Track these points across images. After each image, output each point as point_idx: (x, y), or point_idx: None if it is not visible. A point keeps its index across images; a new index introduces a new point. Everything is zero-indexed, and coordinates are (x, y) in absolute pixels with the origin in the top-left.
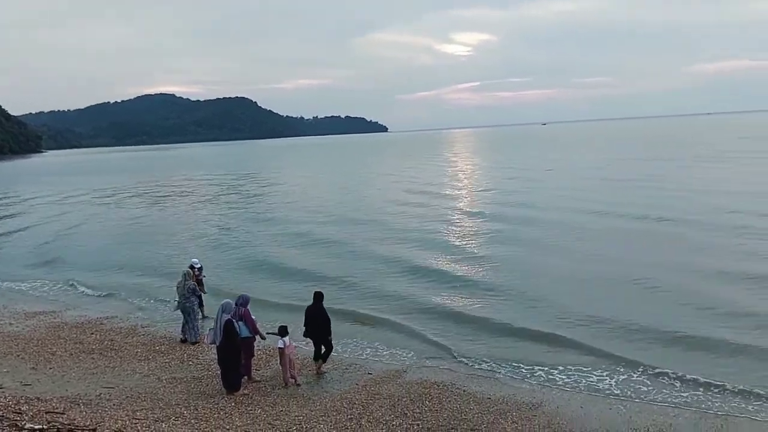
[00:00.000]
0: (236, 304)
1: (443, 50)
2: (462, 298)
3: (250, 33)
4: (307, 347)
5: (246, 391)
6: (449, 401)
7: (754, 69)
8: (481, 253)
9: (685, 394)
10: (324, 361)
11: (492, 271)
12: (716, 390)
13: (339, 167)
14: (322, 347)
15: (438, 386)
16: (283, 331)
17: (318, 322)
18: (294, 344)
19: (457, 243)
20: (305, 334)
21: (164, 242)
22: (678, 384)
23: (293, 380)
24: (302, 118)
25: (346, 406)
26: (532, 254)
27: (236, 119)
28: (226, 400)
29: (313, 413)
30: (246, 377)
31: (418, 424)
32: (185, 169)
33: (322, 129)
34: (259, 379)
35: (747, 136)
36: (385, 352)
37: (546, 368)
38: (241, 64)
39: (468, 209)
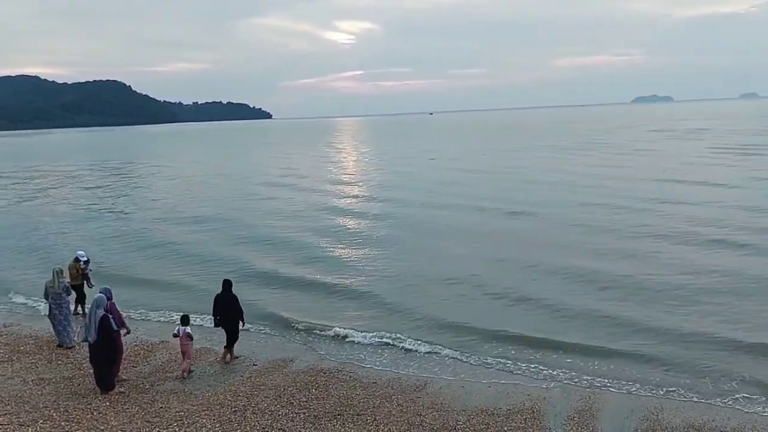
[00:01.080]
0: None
1: (326, 37)
2: (346, 284)
3: (122, 12)
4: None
5: (122, 389)
6: (336, 388)
7: (613, 64)
8: (350, 241)
9: (554, 372)
10: (232, 350)
11: (370, 259)
12: (581, 367)
13: (212, 155)
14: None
15: (325, 373)
16: (183, 320)
17: (229, 310)
18: (189, 334)
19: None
20: (217, 324)
21: (28, 235)
22: (545, 365)
23: (185, 373)
24: (181, 103)
25: (230, 398)
26: (403, 240)
27: (108, 104)
28: (100, 400)
29: (195, 408)
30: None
31: (304, 413)
32: (43, 158)
33: (203, 115)
34: (126, 377)
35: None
36: (270, 342)
37: (430, 351)
38: (112, 45)
39: (333, 202)
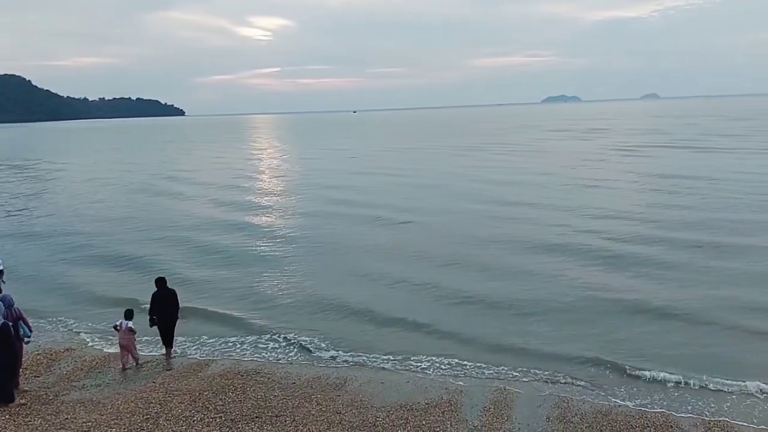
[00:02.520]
0: (7, 307)
1: (241, 33)
2: (261, 287)
3: (22, 1)
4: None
5: (23, 401)
6: (253, 390)
7: (527, 65)
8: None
9: (470, 366)
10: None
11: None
12: (495, 361)
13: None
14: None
15: (242, 376)
16: (127, 314)
17: (168, 308)
18: (132, 328)
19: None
20: (153, 324)
21: None
22: (461, 360)
23: (134, 363)
24: (87, 99)
25: (141, 406)
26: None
27: (4, 99)
28: None
29: (104, 417)
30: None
31: (221, 417)
32: None
33: (111, 111)
34: (27, 388)
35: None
36: (184, 346)
37: (348, 352)
38: (11, 36)
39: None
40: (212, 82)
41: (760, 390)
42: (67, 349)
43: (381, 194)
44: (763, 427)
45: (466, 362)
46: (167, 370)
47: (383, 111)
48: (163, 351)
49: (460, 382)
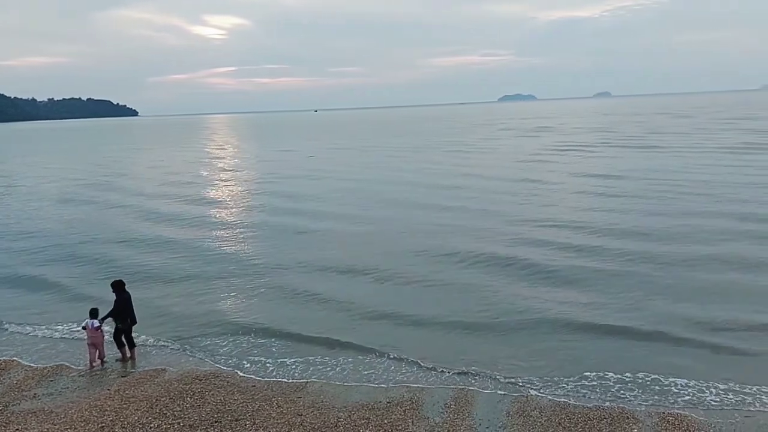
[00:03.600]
0: None
1: (196, 32)
2: (215, 292)
3: None
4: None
5: None
6: (212, 394)
7: (483, 64)
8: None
9: (431, 365)
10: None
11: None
12: (454, 358)
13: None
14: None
15: (200, 381)
16: (92, 313)
17: (131, 310)
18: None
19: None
20: (123, 328)
21: None
22: (421, 358)
23: (99, 362)
24: (35, 100)
25: (96, 414)
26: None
27: None
28: None
29: (56, 427)
30: None
31: (179, 423)
32: None
33: (60, 112)
34: None
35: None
36: (140, 352)
37: (311, 352)
38: None
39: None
40: (167, 81)
41: (691, 385)
42: (17, 357)
43: (319, 201)
44: (706, 417)
45: (428, 363)
46: (123, 376)
47: (344, 110)
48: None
49: (422, 382)
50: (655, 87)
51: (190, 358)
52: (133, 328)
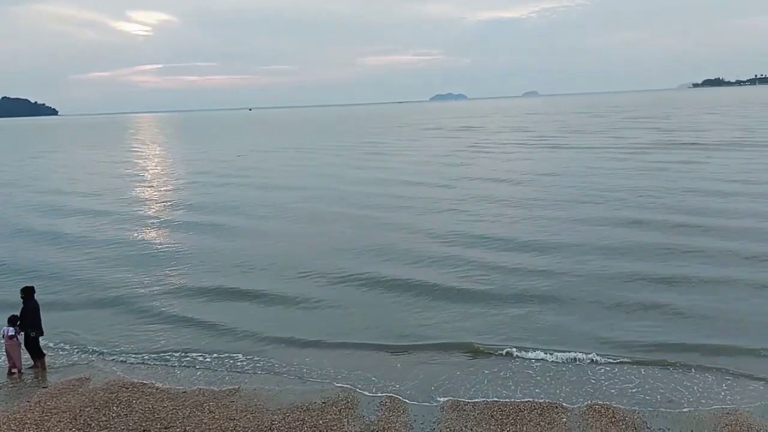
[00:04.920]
0: None
1: (119, 28)
2: (136, 299)
3: None
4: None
5: None
6: (140, 402)
7: (415, 63)
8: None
9: (364, 365)
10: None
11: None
12: (382, 357)
13: None
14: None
15: (127, 389)
16: (10, 321)
17: (38, 319)
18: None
19: None
20: (38, 335)
21: None
22: (358, 362)
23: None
24: None
25: (15, 428)
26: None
27: None
28: None
29: None
30: None
31: None
32: None
33: None
34: None
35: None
36: (62, 361)
37: (243, 356)
38: None
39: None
40: (89, 79)
41: (617, 376)
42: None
43: (224, 211)
44: (630, 407)
45: (361, 361)
46: (43, 387)
47: (279, 109)
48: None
49: (357, 381)
50: (580, 86)
51: (116, 367)
52: (46, 336)
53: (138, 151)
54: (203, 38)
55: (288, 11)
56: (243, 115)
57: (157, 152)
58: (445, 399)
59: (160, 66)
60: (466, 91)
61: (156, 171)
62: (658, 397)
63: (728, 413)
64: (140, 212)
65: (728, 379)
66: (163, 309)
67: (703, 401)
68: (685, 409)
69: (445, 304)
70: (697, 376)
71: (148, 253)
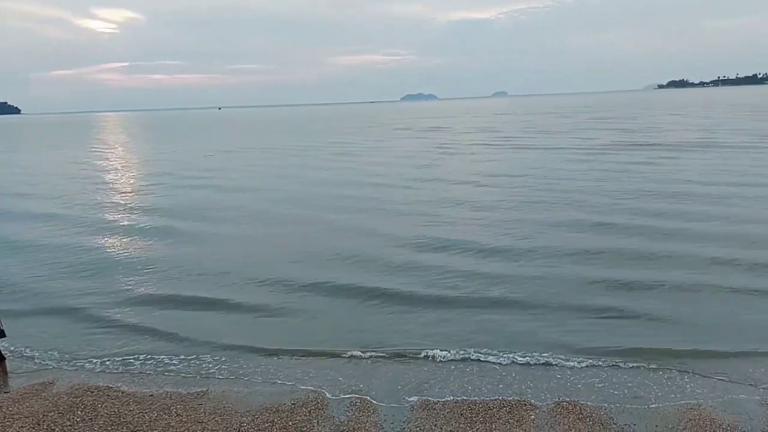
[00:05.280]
0: None
1: (84, 26)
2: (94, 303)
3: None
4: None
5: None
6: (105, 406)
7: (386, 63)
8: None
9: (334, 364)
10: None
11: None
12: (351, 363)
13: None
14: None
15: (92, 392)
16: None
17: None
18: None
19: None
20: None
21: None
22: (328, 361)
23: None
24: None
25: None
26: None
27: None
28: None
29: None
30: None
31: None
32: None
33: None
34: None
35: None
36: (24, 365)
37: (211, 358)
38: None
39: None
40: (53, 77)
41: (591, 365)
42: None
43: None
44: (597, 404)
45: (330, 364)
46: (5, 392)
47: (249, 108)
48: None
49: (326, 383)
50: (549, 87)
51: (80, 371)
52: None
53: (101, 152)
54: (171, 36)
55: (258, 10)
56: (212, 115)
57: (121, 153)
58: (415, 399)
59: (126, 64)
60: (436, 92)
61: (117, 173)
62: (625, 392)
63: (692, 408)
64: (99, 216)
65: (693, 378)
66: (125, 316)
67: (668, 398)
68: (650, 405)
69: (411, 308)
70: (663, 375)
71: (107, 260)
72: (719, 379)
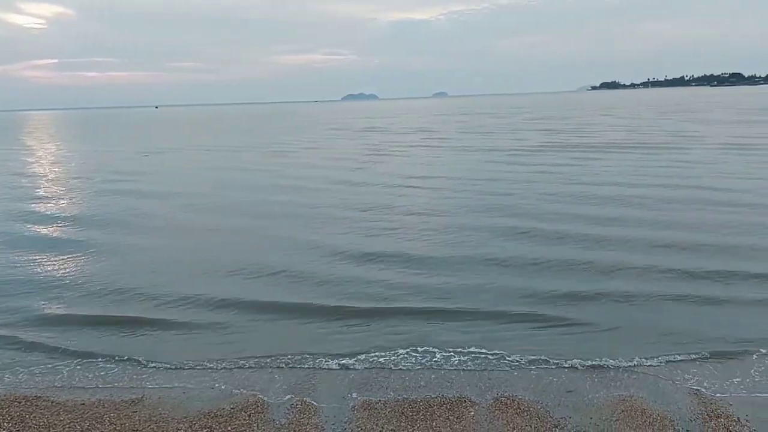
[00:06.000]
0: None
1: (11, 21)
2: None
3: None
4: None
5: None
6: (34, 417)
7: (327, 62)
8: None
9: (269, 360)
10: None
11: None
12: (293, 364)
13: None
14: None
15: (19, 403)
16: None
17: None
18: None
19: None
20: None
21: None
22: (266, 362)
23: None
24: None
25: None
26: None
27: None
28: None
29: None
30: None
31: None
32: None
33: None
34: None
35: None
36: None
37: (144, 365)
38: None
39: None
40: None
41: (528, 361)
42: None
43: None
44: (535, 397)
45: (270, 367)
46: None
47: (188, 106)
48: None
49: (266, 385)
50: (488, 88)
51: (5, 381)
52: None
53: (22, 153)
54: (103, 33)
55: (194, 7)
56: (149, 113)
57: (42, 155)
58: (357, 399)
59: (55, 61)
60: (378, 92)
61: (35, 178)
62: (561, 388)
63: (624, 400)
64: (5, 228)
65: (625, 372)
66: (39, 336)
67: (601, 391)
68: (584, 398)
69: (347, 318)
70: (596, 371)
71: (12, 277)
72: (650, 375)
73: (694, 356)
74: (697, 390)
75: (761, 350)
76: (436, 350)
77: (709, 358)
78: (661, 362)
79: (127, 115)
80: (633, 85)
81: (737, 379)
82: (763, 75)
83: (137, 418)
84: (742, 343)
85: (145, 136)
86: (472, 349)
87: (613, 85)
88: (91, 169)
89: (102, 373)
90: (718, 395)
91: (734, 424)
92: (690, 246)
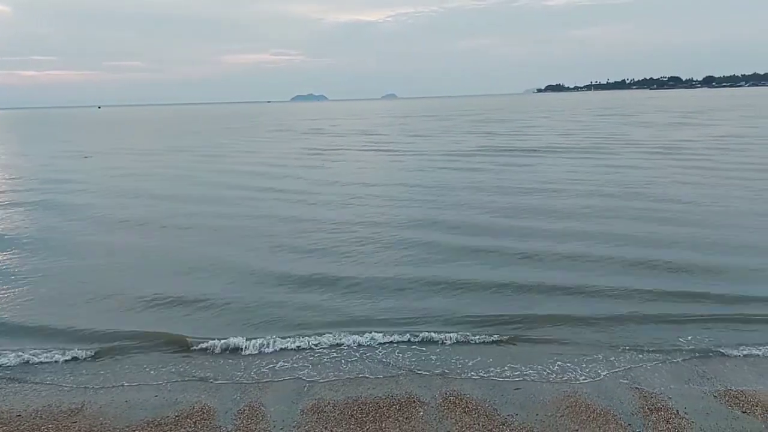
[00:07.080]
0: None
1: None
2: None
3: None
4: None
5: None
6: None
7: (275, 63)
8: None
9: (223, 366)
10: None
11: None
12: (249, 360)
13: None
14: None
15: None
16: None
17: None
18: None
19: None
20: None
21: None
22: (210, 367)
23: None
24: None
25: None
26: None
27: None
28: None
29: None
30: None
31: None
32: None
33: None
34: None
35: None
36: None
37: (87, 373)
38: None
39: None
40: None
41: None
42: None
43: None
44: (488, 395)
45: (214, 365)
46: None
47: (131, 107)
48: None
49: (210, 390)
50: (436, 90)
51: None
52: None
53: None
54: (42, 31)
55: (138, 4)
56: (90, 114)
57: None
58: (305, 403)
59: None
60: (327, 93)
61: None
62: (508, 386)
63: (569, 396)
64: None
65: (567, 368)
66: None
67: (545, 387)
68: (530, 395)
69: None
70: (539, 367)
71: None
72: (591, 367)
73: (633, 362)
74: (638, 387)
75: (687, 353)
76: (383, 349)
77: (647, 361)
78: (605, 357)
79: (67, 115)
80: (577, 88)
81: (672, 377)
82: (700, 79)
83: (77, 428)
84: (670, 350)
85: (82, 137)
86: (417, 342)
87: (558, 88)
88: (14, 174)
89: (38, 383)
90: (656, 391)
91: (674, 416)
92: (618, 262)
